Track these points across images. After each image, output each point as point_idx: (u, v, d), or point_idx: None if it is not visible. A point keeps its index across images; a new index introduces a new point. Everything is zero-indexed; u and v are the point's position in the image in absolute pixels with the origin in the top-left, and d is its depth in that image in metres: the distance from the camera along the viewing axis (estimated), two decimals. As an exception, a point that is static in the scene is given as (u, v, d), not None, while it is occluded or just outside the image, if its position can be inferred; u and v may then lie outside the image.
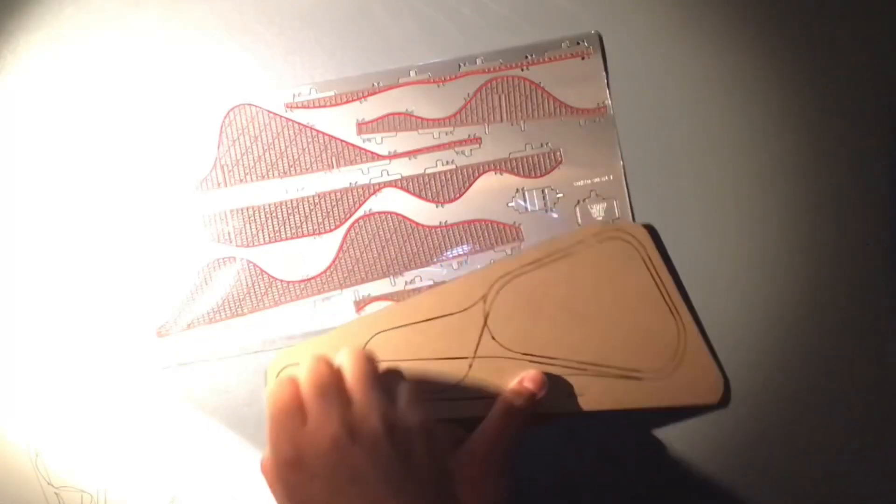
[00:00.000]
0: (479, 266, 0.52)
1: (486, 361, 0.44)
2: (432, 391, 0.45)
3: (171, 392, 0.51)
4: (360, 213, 0.53)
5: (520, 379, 0.43)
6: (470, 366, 0.44)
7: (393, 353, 0.46)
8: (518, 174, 0.53)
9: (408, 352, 0.45)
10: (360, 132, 0.53)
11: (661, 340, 0.45)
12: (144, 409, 0.51)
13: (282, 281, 0.52)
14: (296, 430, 0.36)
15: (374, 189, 0.53)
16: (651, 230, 0.47)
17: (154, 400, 0.51)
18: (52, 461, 0.51)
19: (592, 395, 0.44)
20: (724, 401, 0.47)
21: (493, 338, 0.44)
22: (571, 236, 0.46)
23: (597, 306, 0.44)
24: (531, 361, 0.44)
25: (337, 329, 0.48)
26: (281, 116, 0.53)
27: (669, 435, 0.50)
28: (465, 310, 0.45)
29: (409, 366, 0.45)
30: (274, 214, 0.52)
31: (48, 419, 0.51)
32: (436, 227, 0.53)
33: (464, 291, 0.46)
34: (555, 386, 0.44)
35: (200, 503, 0.50)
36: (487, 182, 0.53)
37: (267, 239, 0.52)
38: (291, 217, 0.53)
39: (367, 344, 0.46)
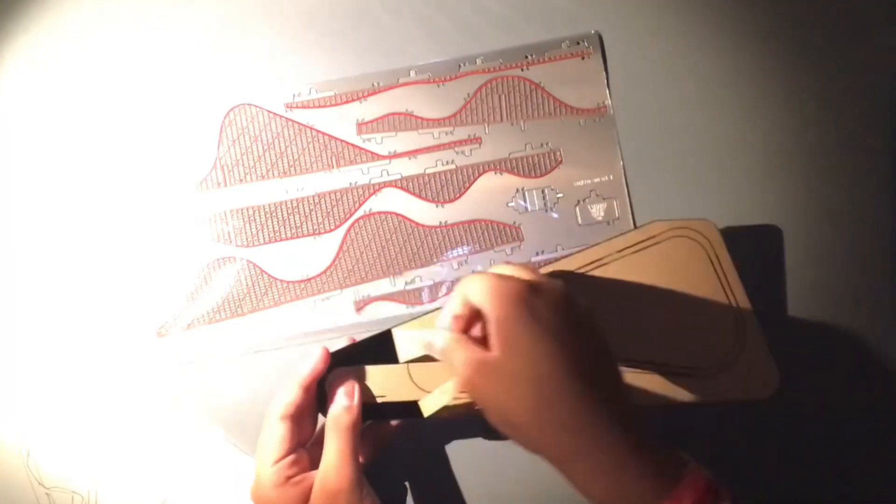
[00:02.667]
0: (479, 266, 0.52)
1: None
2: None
3: (170, 392, 0.51)
4: (360, 213, 0.53)
5: (336, 399, 0.42)
6: None
7: None
8: (518, 174, 0.53)
9: None
10: (360, 132, 0.53)
11: (719, 336, 0.44)
12: (139, 410, 0.51)
13: (282, 281, 0.52)
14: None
15: (374, 189, 0.53)
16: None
17: (150, 400, 0.51)
18: (43, 462, 0.50)
19: (649, 392, 0.43)
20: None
21: None
22: (636, 235, 0.44)
23: (660, 304, 0.43)
24: None
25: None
26: (281, 116, 0.53)
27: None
28: None
29: None
30: (274, 214, 0.52)
31: (40, 419, 0.51)
32: (436, 227, 0.53)
33: None
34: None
35: (196, 504, 0.51)
36: (487, 182, 0.53)
37: (267, 239, 0.52)
38: (291, 217, 0.53)
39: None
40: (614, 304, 0.43)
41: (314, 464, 0.42)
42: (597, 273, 0.43)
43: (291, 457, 0.41)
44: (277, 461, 0.41)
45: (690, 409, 0.44)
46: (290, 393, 0.42)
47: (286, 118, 0.53)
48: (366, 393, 0.43)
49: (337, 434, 0.41)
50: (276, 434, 0.42)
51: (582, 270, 0.44)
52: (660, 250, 0.43)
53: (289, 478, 0.41)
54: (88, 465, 0.50)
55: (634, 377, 0.43)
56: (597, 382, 0.35)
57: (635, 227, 0.53)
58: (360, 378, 0.43)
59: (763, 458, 0.51)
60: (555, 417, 0.34)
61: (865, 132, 0.53)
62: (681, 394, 0.44)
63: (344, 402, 0.41)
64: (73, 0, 0.54)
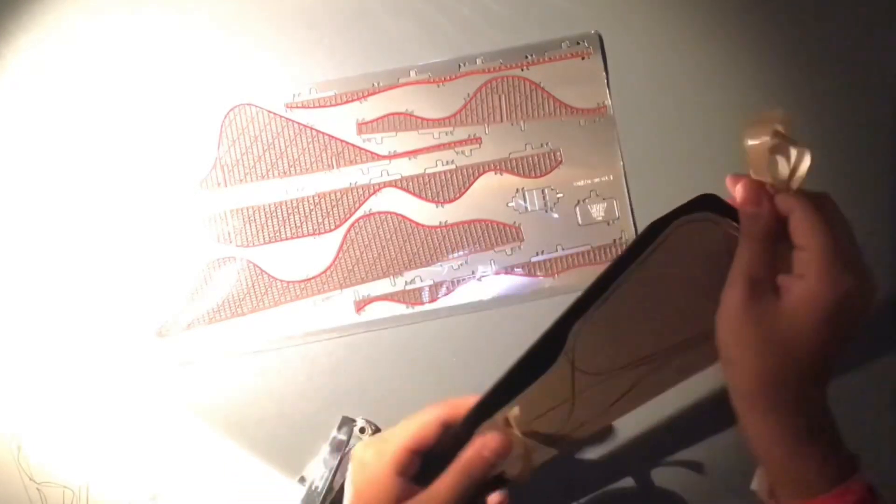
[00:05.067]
0: (479, 266, 0.52)
1: (586, 393, 0.43)
2: (546, 436, 0.43)
3: (167, 391, 0.51)
4: (360, 213, 0.53)
5: (481, 444, 0.39)
6: (572, 404, 0.42)
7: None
8: (518, 174, 0.53)
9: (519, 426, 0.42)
10: (360, 132, 0.53)
11: None
12: (131, 407, 0.51)
13: (282, 281, 0.52)
14: None
15: (374, 189, 0.53)
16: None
17: (146, 399, 0.51)
18: (34, 456, 0.51)
19: (696, 363, 0.42)
20: None
21: (586, 372, 0.41)
22: (642, 242, 0.40)
23: (685, 288, 0.41)
24: (632, 369, 0.42)
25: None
26: (281, 116, 0.53)
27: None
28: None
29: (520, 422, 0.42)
30: (274, 214, 0.52)
31: (32, 414, 0.51)
32: (436, 227, 0.53)
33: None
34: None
35: (181, 501, 0.50)
36: (487, 182, 0.53)
37: (267, 239, 0.52)
38: (291, 217, 0.53)
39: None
40: (634, 316, 0.41)
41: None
42: (610, 301, 0.39)
43: (417, 457, 0.40)
44: (411, 450, 0.39)
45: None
46: (457, 406, 0.41)
47: (286, 118, 0.53)
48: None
49: (463, 476, 0.39)
50: (429, 427, 0.40)
51: (593, 308, 0.40)
52: (668, 248, 0.41)
53: (404, 474, 0.39)
54: (79, 460, 0.51)
55: (699, 352, 0.41)
56: (822, 376, 0.36)
57: (635, 226, 0.53)
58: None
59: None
60: (804, 378, 0.35)
61: (866, 132, 0.53)
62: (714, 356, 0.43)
63: (487, 455, 0.39)
64: (74, 0, 0.54)
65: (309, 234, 0.52)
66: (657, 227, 0.38)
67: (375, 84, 0.53)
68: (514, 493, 0.42)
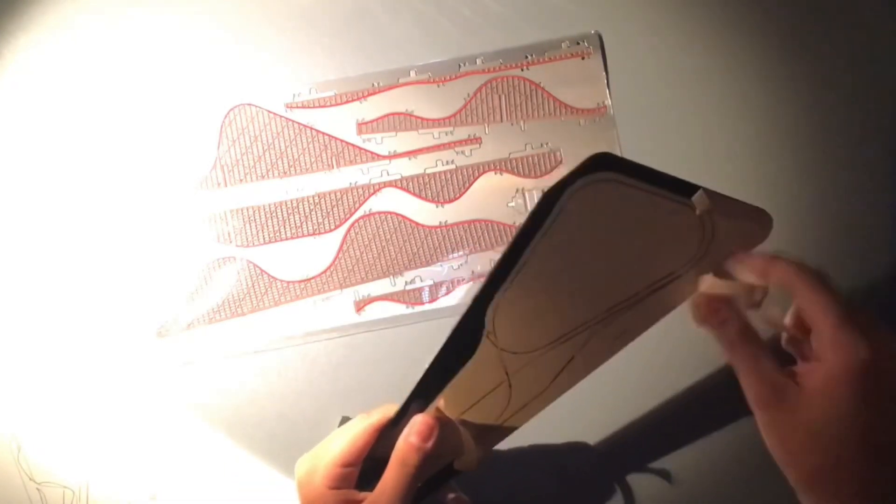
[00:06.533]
0: (478, 266, 0.52)
1: (521, 373, 0.42)
2: (490, 424, 0.43)
3: (167, 391, 0.51)
4: (360, 213, 0.53)
5: (407, 431, 0.39)
6: (510, 386, 0.43)
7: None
8: (518, 174, 0.53)
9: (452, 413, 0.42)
10: (360, 132, 0.53)
11: (684, 229, 0.39)
12: (135, 408, 0.51)
13: (282, 281, 0.52)
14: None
15: (374, 189, 0.53)
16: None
17: (146, 399, 0.51)
18: (34, 456, 0.51)
19: (634, 326, 0.40)
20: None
21: (514, 352, 0.40)
22: (540, 213, 0.38)
23: (593, 256, 0.39)
24: (563, 342, 0.40)
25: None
26: (281, 116, 0.53)
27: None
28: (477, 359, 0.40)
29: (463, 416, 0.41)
30: (274, 214, 0.52)
31: (32, 414, 0.51)
32: (436, 227, 0.53)
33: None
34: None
35: (181, 501, 0.50)
36: (487, 182, 0.53)
37: (267, 239, 0.52)
38: (291, 217, 0.53)
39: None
40: (554, 288, 0.39)
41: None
42: (518, 279, 0.38)
43: (353, 469, 0.40)
44: (343, 465, 0.39)
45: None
46: (390, 410, 0.41)
47: (286, 118, 0.53)
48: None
49: (401, 470, 0.39)
50: (357, 440, 0.40)
51: (504, 287, 0.39)
52: (571, 215, 0.37)
53: (340, 487, 0.39)
54: (79, 460, 0.51)
55: (634, 314, 0.40)
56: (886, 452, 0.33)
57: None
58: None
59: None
60: (855, 465, 0.33)
61: (866, 132, 0.53)
62: (674, 300, 0.40)
63: (414, 440, 0.39)
64: (74, 0, 0.54)
65: (309, 234, 0.52)
66: (552, 196, 0.36)
67: (375, 84, 0.53)
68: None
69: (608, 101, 0.54)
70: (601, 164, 0.37)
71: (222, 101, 0.53)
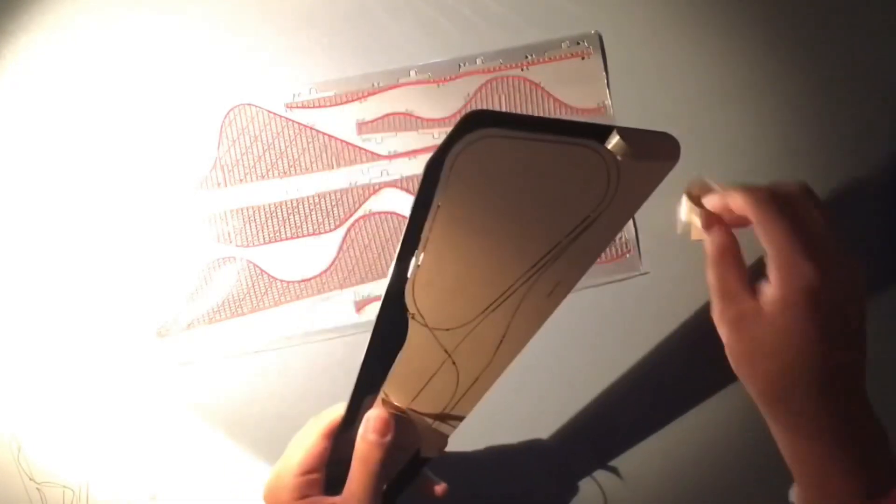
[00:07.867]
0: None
1: (461, 348, 0.42)
2: (446, 404, 0.43)
3: (167, 391, 0.51)
4: (360, 213, 0.53)
5: (363, 430, 0.40)
6: (454, 363, 0.42)
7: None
8: (518, 174, 0.53)
9: (401, 401, 0.42)
10: (360, 132, 0.53)
11: (586, 170, 0.38)
12: (135, 408, 0.51)
13: (282, 281, 0.52)
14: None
15: (373, 189, 0.53)
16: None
17: (146, 399, 0.51)
18: (34, 456, 0.51)
19: (566, 277, 0.40)
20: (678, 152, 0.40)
21: (447, 329, 0.40)
22: (426, 185, 0.38)
23: (499, 216, 0.38)
24: (495, 309, 0.40)
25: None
26: (281, 116, 0.53)
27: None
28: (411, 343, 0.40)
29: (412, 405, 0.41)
30: (274, 214, 0.53)
31: (32, 414, 0.51)
32: (436, 227, 0.52)
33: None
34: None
35: (181, 501, 0.50)
36: (487, 182, 0.53)
37: (267, 239, 0.52)
38: (291, 217, 0.53)
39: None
40: (460, 260, 0.39)
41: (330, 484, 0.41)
42: (425, 254, 0.37)
43: (317, 475, 0.40)
44: (304, 474, 0.40)
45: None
46: (338, 409, 0.41)
47: (286, 118, 0.53)
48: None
49: (364, 468, 0.39)
50: (313, 447, 0.40)
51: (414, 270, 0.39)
52: (458, 179, 0.36)
53: (307, 495, 0.40)
54: (79, 460, 0.51)
55: (562, 266, 0.39)
56: (852, 373, 0.35)
57: (635, 226, 0.53)
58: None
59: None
60: (803, 382, 0.34)
61: (866, 132, 0.53)
62: (599, 245, 0.40)
63: (372, 437, 0.39)
64: (74, 0, 0.54)
65: (309, 234, 0.52)
66: (435, 165, 0.36)
67: (375, 84, 0.53)
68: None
69: (608, 101, 0.54)
70: (479, 122, 0.36)
71: (222, 101, 0.53)
